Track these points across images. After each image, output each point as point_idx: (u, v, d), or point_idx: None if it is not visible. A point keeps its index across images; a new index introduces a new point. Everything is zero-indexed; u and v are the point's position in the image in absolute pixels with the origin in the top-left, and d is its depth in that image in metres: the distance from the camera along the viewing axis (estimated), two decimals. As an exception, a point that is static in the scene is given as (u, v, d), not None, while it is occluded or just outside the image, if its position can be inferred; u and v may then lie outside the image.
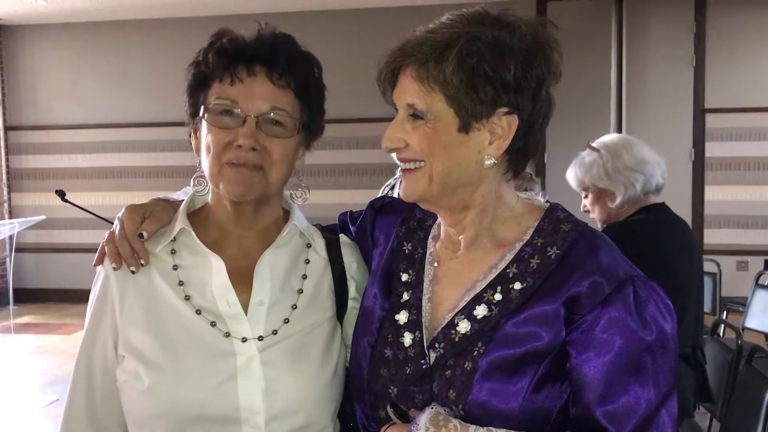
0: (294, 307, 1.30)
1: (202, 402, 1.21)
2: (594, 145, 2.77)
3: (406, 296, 1.27)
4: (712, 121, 7.05)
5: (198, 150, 1.31)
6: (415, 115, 1.17)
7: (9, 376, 5.80)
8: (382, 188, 2.99)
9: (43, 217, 7.21)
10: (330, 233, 1.44)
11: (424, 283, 1.27)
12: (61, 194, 4.19)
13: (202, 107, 1.27)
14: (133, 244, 1.29)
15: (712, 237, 7.08)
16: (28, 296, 8.06)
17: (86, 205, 4.67)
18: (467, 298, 1.20)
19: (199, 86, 1.29)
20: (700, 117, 7.06)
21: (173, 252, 1.32)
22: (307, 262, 1.36)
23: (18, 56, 8.35)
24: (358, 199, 6.35)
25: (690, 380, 2.67)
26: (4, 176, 8.41)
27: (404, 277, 1.29)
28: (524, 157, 1.22)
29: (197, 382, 1.22)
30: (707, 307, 4.63)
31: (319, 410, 1.28)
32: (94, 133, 8.19)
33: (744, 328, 4.25)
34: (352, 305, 1.38)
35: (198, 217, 1.35)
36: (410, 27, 1.18)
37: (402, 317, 1.25)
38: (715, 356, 3.02)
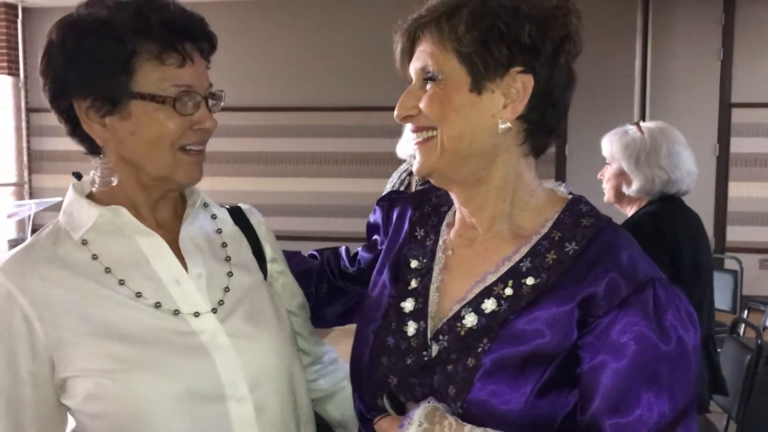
0: (230, 274, 1.29)
1: (186, 391, 1.15)
2: (643, 127, 2.71)
3: (414, 283, 1.22)
4: (737, 116, 6.91)
5: (106, 139, 1.21)
6: (428, 79, 1.13)
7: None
8: (397, 177, 2.94)
9: (60, 198, 7.20)
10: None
11: (434, 272, 1.22)
12: (78, 176, 4.16)
13: (141, 92, 1.15)
14: None
15: (734, 234, 6.95)
16: (46, 277, 8.13)
17: (103, 187, 4.66)
18: (476, 290, 1.15)
19: (121, 64, 1.15)
20: (725, 111, 6.92)
21: (84, 242, 1.20)
22: (219, 231, 1.34)
23: (40, 39, 8.32)
24: (366, 188, 6.30)
25: (704, 374, 2.60)
26: (25, 158, 8.47)
27: (414, 263, 1.25)
28: (543, 130, 1.16)
29: (169, 373, 1.15)
30: (728, 305, 4.55)
31: (297, 363, 1.30)
32: (114, 116, 8.17)
33: (765, 328, 4.18)
34: (272, 268, 1.38)
35: (97, 202, 1.25)
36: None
37: (408, 305, 1.20)
38: (733, 356, 2.96)
